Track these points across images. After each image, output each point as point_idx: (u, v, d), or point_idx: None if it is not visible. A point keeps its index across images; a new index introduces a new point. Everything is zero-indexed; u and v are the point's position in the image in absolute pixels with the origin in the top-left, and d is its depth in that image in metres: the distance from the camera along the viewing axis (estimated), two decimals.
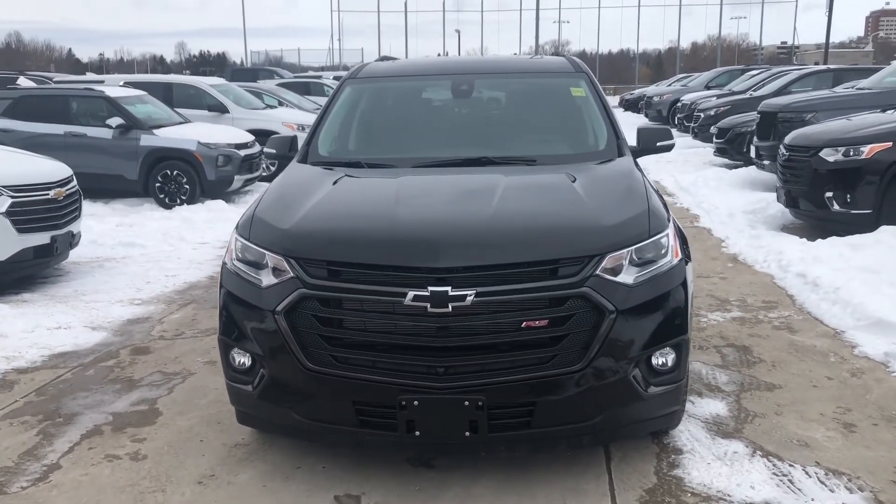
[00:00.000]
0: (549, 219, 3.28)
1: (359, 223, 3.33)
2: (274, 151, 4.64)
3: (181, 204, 10.56)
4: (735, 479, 3.37)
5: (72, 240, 6.99)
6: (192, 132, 11.16)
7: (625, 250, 3.15)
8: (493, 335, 3.02)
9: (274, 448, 3.71)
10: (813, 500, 3.20)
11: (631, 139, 4.49)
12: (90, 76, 19.27)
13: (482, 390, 2.99)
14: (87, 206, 7.33)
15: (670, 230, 3.38)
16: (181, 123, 11.72)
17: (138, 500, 3.30)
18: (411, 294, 2.96)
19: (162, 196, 10.75)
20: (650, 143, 4.44)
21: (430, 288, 2.96)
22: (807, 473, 3.40)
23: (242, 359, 3.37)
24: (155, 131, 10.87)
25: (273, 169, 13.63)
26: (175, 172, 10.70)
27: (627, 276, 3.13)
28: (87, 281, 6.98)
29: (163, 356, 5.04)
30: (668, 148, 4.47)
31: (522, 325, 3.02)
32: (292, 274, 3.17)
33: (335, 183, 3.78)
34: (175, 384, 4.55)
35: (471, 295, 2.95)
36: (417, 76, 5.08)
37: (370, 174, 4.11)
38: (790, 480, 3.35)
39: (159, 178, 10.73)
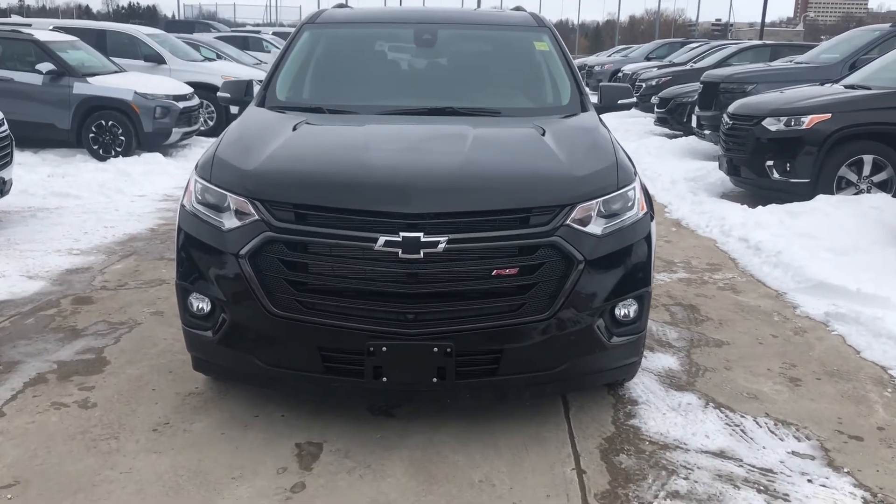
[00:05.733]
0: (522, 168, 3.27)
1: (329, 166, 3.25)
2: (228, 96, 4.48)
3: (116, 156, 10.16)
4: (690, 428, 3.45)
5: (2, 186, 6.65)
6: (129, 82, 10.72)
7: (594, 201, 3.16)
8: (463, 283, 3.00)
9: (230, 397, 3.64)
10: (764, 448, 3.31)
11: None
12: (16, 19, 18.27)
13: (451, 337, 2.98)
14: (16, 155, 6.98)
15: (637, 184, 3.41)
16: (117, 72, 11.25)
17: (90, 447, 3.19)
18: (382, 239, 2.91)
19: (96, 147, 10.33)
20: (612, 101, 4.46)
21: (402, 234, 2.91)
22: (757, 424, 3.51)
23: (201, 304, 3.27)
24: (89, 79, 10.40)
25: (211, 123, 13.32)
26: (110, 123, 10.28)
27: (596, 227, 3.14)
28: (19, 230, 6.69)
29: (107, 306, 4.87)
30: (629, 106, 4.50)
31: (493, 274, 3.00)
32: (257, 216, 3.08)
33: (296, 127, 3.67)
34: (122, 334, 4.41)
35: (443, 242, 2.91)
36: (379, 23, 4.97)
37: (333, 120, 4.01)
38: (742, 430, 3.45)
39: (93, 129, 10.30)
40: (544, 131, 3.65)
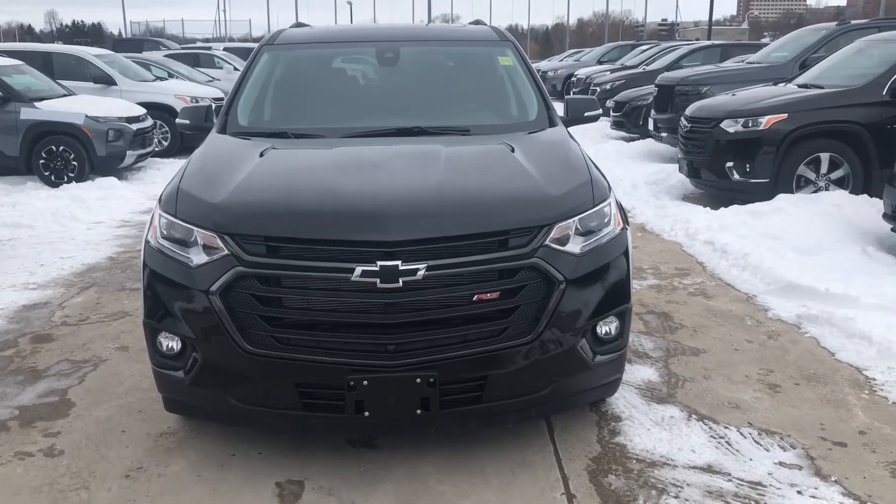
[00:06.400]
0: (498, 189, 3.21)
1: (300, 196, 3.15)
2: (188, 122, 4.36)
3: (69, 182, 9.90)
4: (676, 443, 3.43)
5: None
6: (79, 105, 10.45)
7: (571, 220, 3.12)
8: (444, 310, 2.93)
9: (205, 435, 3.51)
10: (751, 460, 3.29)
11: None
12: None
13: (434, 367, 2.90)
14: None
15: (612, 199, 3.38)
16: (66, 96, 10.96)
17: (59, 500, 3.04)
18: (359, 269, 2.83)
19: (47, 173, 10.05)
20: (578, 113, 4.44)
21: (380, 263, 2.84)
22: (742, 434, 3.50)
23: (171, 343, 3.15)
24: (36, 104, 10.11)
25: (166, 143, 13.08)
26: (61, 148, 10.01)
27: (574, 246, 3.10)
28: None
29: (68, 343, 4.70)
30: (596, 118, 4.48)
31: (474, 299, 2.94)
32: (227, 251, 2.97)
33: (262, 154, 3.57)
34: (86, 372, 4.25)
35: (422, 269, 2.84)
36: (340, 43, 4.88)
37: (298, 144, 3.92)
38: (728, 442, 3.44)
39: (43, 155, 10.02)
40: (514, 149, 3.61)
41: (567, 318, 3.05)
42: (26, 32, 79.88)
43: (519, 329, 2.99)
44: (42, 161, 10.03)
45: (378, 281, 2.83)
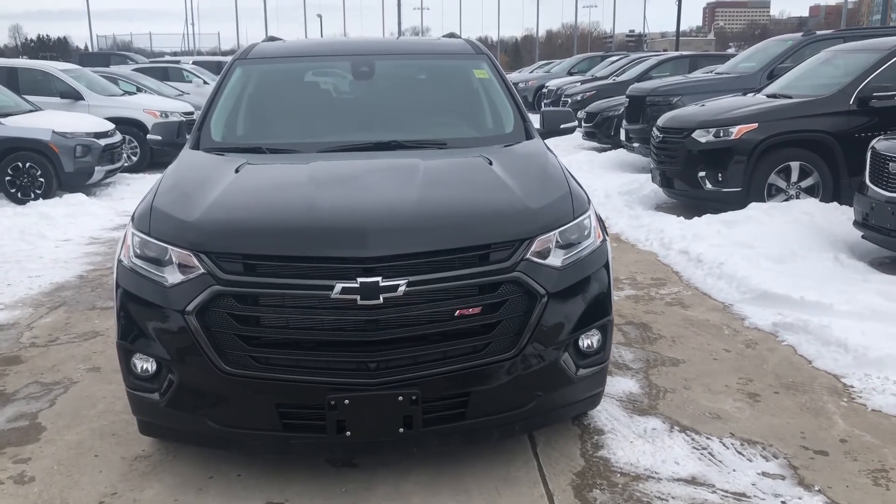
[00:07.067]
0: (478, 203, 3.18)
1: (275, 212, 3.10)
2: (160, 138, 4.28)
3: (36, 199, 9.72)
4: (659, 455, 3.41)
5: None
6: (45, 121, 10.27)
7: (552, 233, 3.10)
8: (425, 326, 2.88)
9: (181, 458, 3.43)
10: (734, 470, 3.28)
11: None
12: None
13: (416, 384, 2.86)
14: None
15: (591, 212, 3.37)
16: (31, 111, 10.78)
17: None
18: (339, 286, 2.79)
19: (13, 190, 9.86)
20: (554, 125, 4.43)
21: (360, 279, 2.79)
22: (724, 445, 3.49)
23: (146, 365, 3.07)
24: (2, 120, 9.93)
25: (135, 159, 12.91)
26: (27, 164, 9.82)
27: (555, 259, 3.08)
28: None
29: (38, 365, 4.58)
30: (571, 130, 4.48)
31: (456, 314, 2.90)
32: (203, 270, 2.91)
33: (238, 170, 3.51)
34: (57, 395, 4.14)
35: (402, 285, 2.80)
36: (313, 57, 4.83)
37: (274, 160, 3.86)
38: (710, 453, 3.43)
39: (9, 171, 9.82)
40: (492, 162, 3.59)
41: (549, 332, 3.02)
42: None
43: (501, 344, 2.96)
44: (8, 178, 9.84)
45: (358, 298, 2.79)
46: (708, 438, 3.56)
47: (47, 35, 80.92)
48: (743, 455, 3.41)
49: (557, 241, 3.12)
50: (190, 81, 19.65)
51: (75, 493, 3.18)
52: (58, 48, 68.98)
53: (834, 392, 4.02)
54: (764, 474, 3.24)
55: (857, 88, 7.63)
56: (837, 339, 4.49)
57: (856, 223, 6.20)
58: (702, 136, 8.03)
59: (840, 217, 6.97)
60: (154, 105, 13.46)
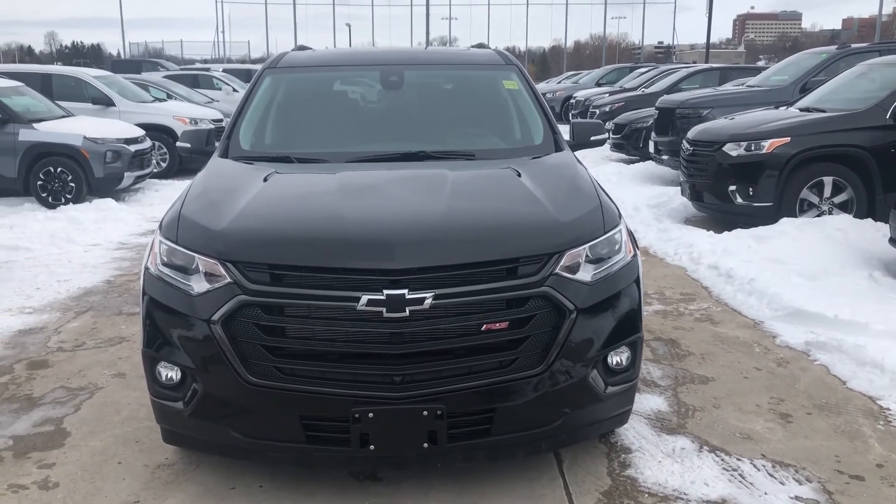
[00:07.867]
0: (507, 215, 3.14)
1: (303, 223, 3.08)
2: (189, 146, 4.30)
3: (66, 203, 9.84)
4: (688, 476, 3.33)
5: None
6: (77, 126, 10.41)
7: (582, 247, 3.05)
8: (451, 340, 2.85)
9: (203, 467, 3.41)
10: (766, 493, 3.20)
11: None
12: None
13: (442, 398, 2.82)
14: None
15: (622, 226, 3.31)
16: (64, 117, 10.93)
17: None
18: (365, 298, 2.76)
19: (45, 195, 9.99)
20: (584, 137, 4.38)
21: (386, 291, 2.76)
22: (755, 467, 3.41)
23: (171, 373, 3.06)
24: (35, 125, 10.07)
25: (164, 165, 13.04)
26: (59, 169, 9.95)
27: (585, 274, 3.03)
28: None
29: (64, 370, 4.60)
30: (602, 142, 4.43)
31: (482, 329, 2.86)
32: (229, 279, 2.90)
33: (266, 179, 3.51)
34: (82, 400, 4.15)
35: (429, 297, 2.77)
36: (343, 66, 4.83)
37: (303, 169, 3.85)
38: (741, 475, 3.34)
39: (41, 176, 9.97)
40: (520, 174, 3.54)
41: (578, 349, 2.97)
42: (26, 53, 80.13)
43: (529, 360, 2.91)
44: (39, 182, 9.98)
45: (384, 310, 2.76)
46: (738, 459, 3.47)
47: (81, 42, 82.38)
48: (775, 478, 3.32)
49: (587, 256, 3.07)
50: (219, 89, 19.83)
51: (98, 501, 3.18)
52: (91, 55, 70.12)
53: (870, 414, 3.91)
54: (797, 499, 3.15)
55: (893, 102, 7.48)
56: (873, 360, 4.37)
57: (891, 240, 6.06)
58: (733, 150, 7.92)
59: (875, 234, 6.82)
60: (184, 112, 13.59)
